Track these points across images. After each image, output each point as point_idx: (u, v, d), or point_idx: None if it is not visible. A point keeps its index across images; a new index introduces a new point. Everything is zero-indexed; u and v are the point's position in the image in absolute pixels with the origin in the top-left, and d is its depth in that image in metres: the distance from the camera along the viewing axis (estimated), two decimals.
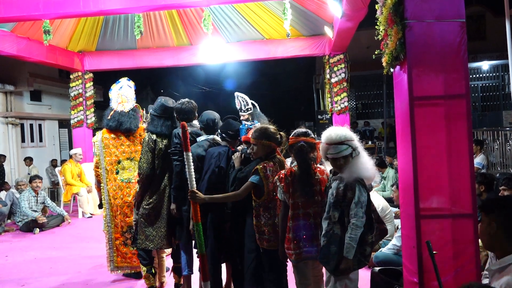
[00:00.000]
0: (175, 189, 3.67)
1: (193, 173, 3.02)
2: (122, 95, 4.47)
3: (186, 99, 3.89)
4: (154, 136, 3.80)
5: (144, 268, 4.00)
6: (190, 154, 3.00)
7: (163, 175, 3.82)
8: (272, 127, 3.15)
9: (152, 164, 3.76)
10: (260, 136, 3.06)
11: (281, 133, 3.16)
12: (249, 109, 4.94)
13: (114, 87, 4.55)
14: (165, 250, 4.28)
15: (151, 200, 3.83)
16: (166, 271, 4.49)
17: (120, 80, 4.60)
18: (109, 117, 4.39)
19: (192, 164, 3.01)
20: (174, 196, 3.69)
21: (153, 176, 3.80)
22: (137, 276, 4.58)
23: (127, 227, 4.41)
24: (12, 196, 7.86)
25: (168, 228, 3.85)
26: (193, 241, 3.85)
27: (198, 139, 3.71)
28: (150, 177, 3.79)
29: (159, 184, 3.82)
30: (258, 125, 3.40)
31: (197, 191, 3.02)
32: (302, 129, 3.04)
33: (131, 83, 4.60)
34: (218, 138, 3.72)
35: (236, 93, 4.95)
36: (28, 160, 11.23)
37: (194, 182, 3.04)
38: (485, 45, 14.58)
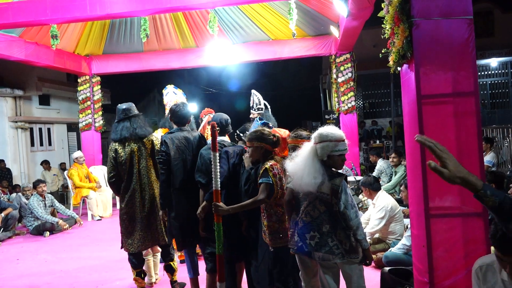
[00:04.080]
0: (161, 197, 3.74)
1: (218, 174, 3.03)
2: (167, 100, 5.02)
3: (181, 102, 4.01)
4: (114, 145, 3.94)
5: (134, 271, 4.10)
6: (217, 154, 3.02)
7: (130, 181, 3.93)
8: (266, 130, 3.19)
9: (115, 172, 3.93)
10: (252, 139, 3.13)
11: (276, 135, 3.19)
12: (260, 109, 4.98)
13: (164, 92, 5.14)
14: (158, 249, 4.44)
15: (123, 205, 3.98)
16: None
17: (167, 86, 5.09)
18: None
19: (218, 164, 3.03)
20: (161, 204, 3.77)
21: (119, 183, 3.96)
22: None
23: None
24: (20, 200, 7.91)
25: (146, 230, 3.95)
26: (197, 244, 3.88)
27: (208, 141, 3.74)
28: (115, 184, 3.98)
29: (127, 190, 3.94)
30: (267, 125, 3.46)
31: (220, 203, 3.02)
32: (302, 132, 3.18)
33: (178, 91, 5.04)
34: (227, 139, 3.75)
35: (253, 91, 5.04)
36: (44, 164, 11.33)
37: (219, 183, 3.05)
38: (494, 41, 14.42)
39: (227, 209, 3.03)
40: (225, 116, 3.79)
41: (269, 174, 2.99)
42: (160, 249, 4.48)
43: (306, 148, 2.81)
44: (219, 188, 3.05)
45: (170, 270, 4.17)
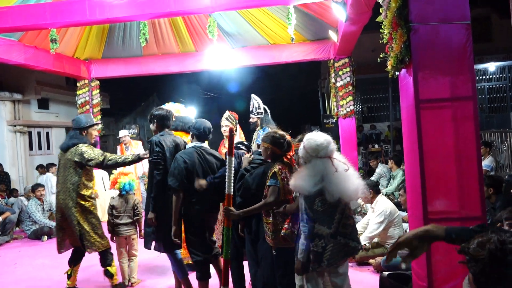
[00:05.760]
0: (154, 199, 3.68)
1: (232, 178, 3.08)
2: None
3: (162, 106, 4.18)
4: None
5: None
6: (232, 158, 3.11)
7: (63, 185, 4.25)
8: (279, 133, 3.21)
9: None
10: (263, 139, 3.20)
11: (287, 139, 3.20)
12: (260, 113, 4.99)
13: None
14: (135, 253, 4.65)
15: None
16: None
17: (165, 104, 5.16)
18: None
19: (232, 168, 3.09)
20: (153, 205, 3.68)
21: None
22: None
23: None
24: (21, 204, 7.88)
25: (64, 233, 4.44)
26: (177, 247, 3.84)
27: (187, 146, 3.74)
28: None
29: (57, 195, 4.33)
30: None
31: (231, 208, 3.08)
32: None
33: (177, 105, 5.12)
34: (206, 146, 3.73)
35: (252, 95, 5.05)
36: (40, 169, 11.28)
37: (232, 187, 3.09)
38: (492, 46, 14.50)
39: (238, 213, 3.07)
40: (208, 124, 3.77)
41: (278, 177, 3.02)
42: (137, 254, 4.67)
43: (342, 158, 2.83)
44: (231, 193, 3.09)
45: (108, 274, 4.44)
